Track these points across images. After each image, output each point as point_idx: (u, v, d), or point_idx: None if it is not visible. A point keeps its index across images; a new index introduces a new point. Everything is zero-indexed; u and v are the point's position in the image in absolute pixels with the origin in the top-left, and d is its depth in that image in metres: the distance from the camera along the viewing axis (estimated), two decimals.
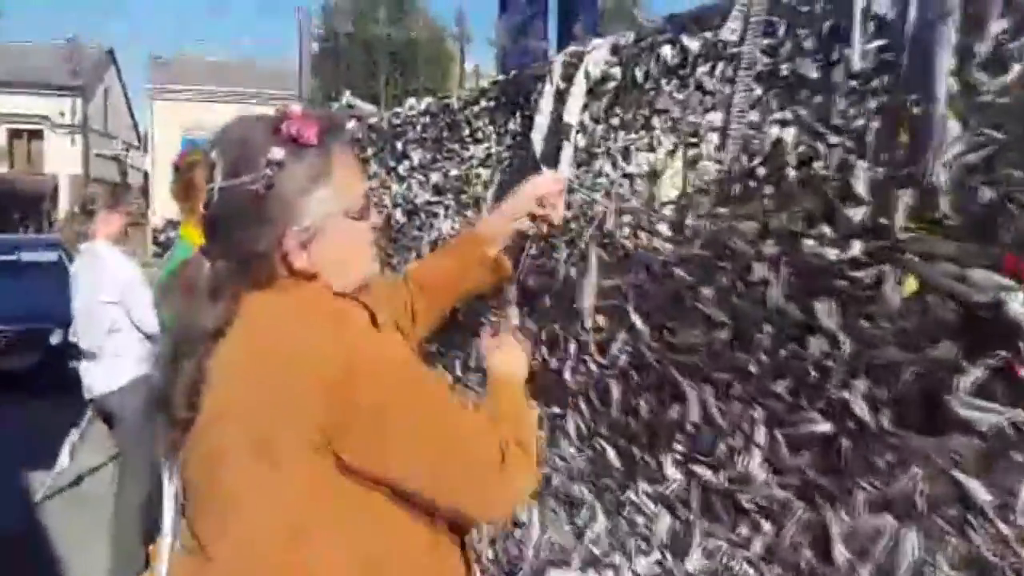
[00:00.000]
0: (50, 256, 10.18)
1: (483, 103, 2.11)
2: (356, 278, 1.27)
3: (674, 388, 1.38)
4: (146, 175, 33.12)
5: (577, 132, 1.67)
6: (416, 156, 2.46)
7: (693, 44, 1.44)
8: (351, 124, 3.10)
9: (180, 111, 31.43)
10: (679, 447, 1.36)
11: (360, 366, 1.13)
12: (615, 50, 1.63)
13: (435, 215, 2.30)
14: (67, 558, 4.02)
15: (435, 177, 2.34)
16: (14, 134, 29.90)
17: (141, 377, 3.52)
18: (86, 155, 30.24)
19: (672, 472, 1.37)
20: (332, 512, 1.16)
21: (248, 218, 1.17)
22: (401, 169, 2.55)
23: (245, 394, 1.17)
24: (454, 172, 2.21)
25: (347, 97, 3.58)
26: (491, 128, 2.06)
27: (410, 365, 1.22)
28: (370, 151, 2.82)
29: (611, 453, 1.47)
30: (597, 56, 1.65)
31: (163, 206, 30.03)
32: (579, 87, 1.66)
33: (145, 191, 33.07)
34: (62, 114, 29.92)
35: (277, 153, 1.16)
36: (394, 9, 24.96)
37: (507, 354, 1.46)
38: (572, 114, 1.67)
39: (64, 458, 4.86)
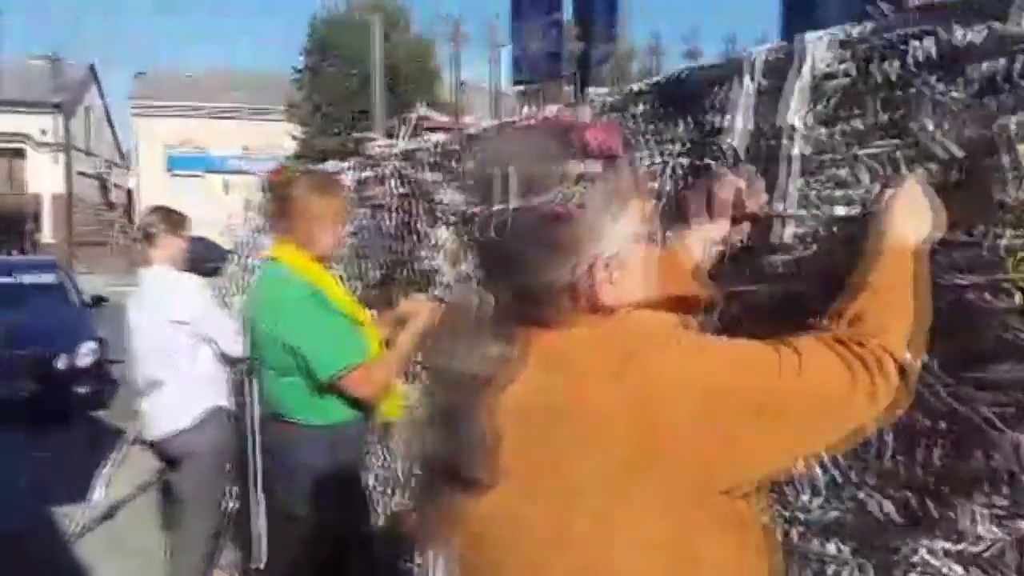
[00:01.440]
0: (48, 278, 9.88)
1: (638, 107, 1.91)
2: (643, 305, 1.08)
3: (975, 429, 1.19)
4: (129, 193, 32.73)
5: (798, 137, 1.48)
6: None
7: (970, 35, 1.26)
8: (440, 136, 2.90)
9: (164, 127, 31.07)
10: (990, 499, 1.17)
11: (717, 384, 0.97)
12: (845, 43, 1.45)
13: None
14: None
15: None
16: None
17: (213, 410, 3.29)
18: (69, 174, 29.78)
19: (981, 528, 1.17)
20: (718, 549, 0.99)
21: (550, 244, 0.98)
22: None
23: (566, 442, 0.97)
24: None
25: (423, 108, 3.36)
26: (649, 136, 1.87)
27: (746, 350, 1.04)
28: (471, 164, 2.63)
29: (886, 505, 1.28)
30: (821, 49, 1.46)
31: None
32: (800, 84, 1.48)
33: (128, 209, 32.67)
34: (44, 132, 29.49)
35: (590, 166, 0.97)
36: (382, 25, 24.84)
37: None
38: (792, 115, 1.48)
39: (98, 492, 4.59)
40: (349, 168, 3.39)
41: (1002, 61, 1.23)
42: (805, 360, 1.00)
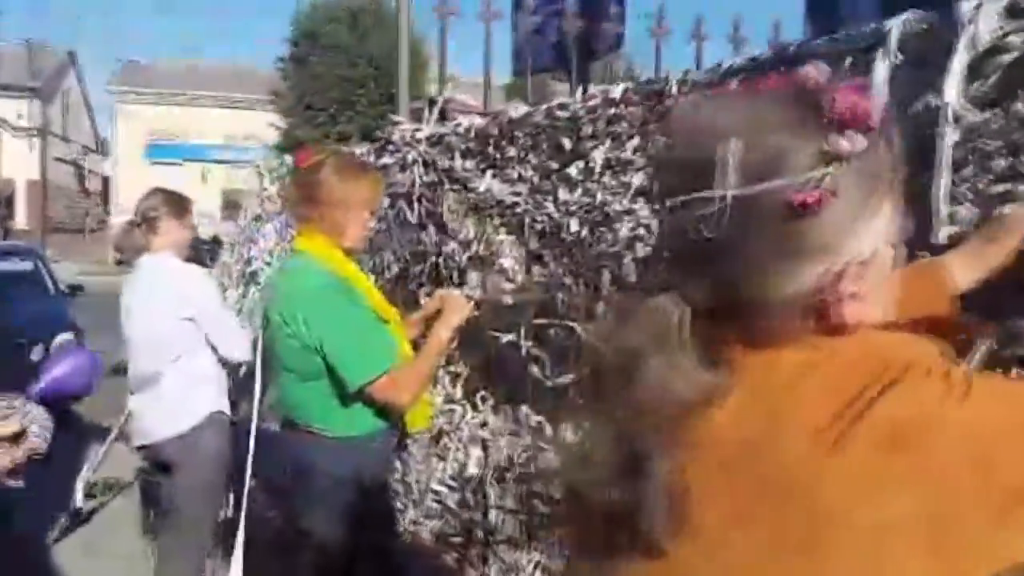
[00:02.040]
0: (25, 266, 9.49)
1: (731, 87, 1.69)
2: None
3: None
4: (106, 180, 32.10)
5: (957, 119, 1.26)
6: (600, 155, 2.03)
7: None
8: (473, 120, 2.65)
9: (144, 115, 30.49)
10: None
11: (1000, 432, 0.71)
12: (1015, 10, 1.23)
13: (643, 225, 1.88)
14: None
15: (637, 179, 1.92)
16: None
17: (214, 414, 3.00)
18: (44, 159, 29.14)
19: None
20: None
21: (786, 242, 0.74)
22: (574, 171, 2.12)
23: (788, 498, 0.73)
24: None
25: (449, 89, 3.12)
26: None
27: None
28: (512, 151, 2.39)
29: None
30: (986, 18, 1.24)
31: (127, 211, 29.05)
32: (960, 58, 1.26)
33: (105, 196, 32.06)
34: (20, 116, 28.83)
35: (843, 144, 0.72)
36: (367, 16, 24.46)
37: None
38: (950, 92, 1.25)
39: (78, 495, 4.29)
40: (368, 154, 3.13)
41: None
42: None
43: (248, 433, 3.48)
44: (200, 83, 30.90)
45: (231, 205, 21.90)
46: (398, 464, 2.72)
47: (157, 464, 3.09)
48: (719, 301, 0.78)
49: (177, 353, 2.93)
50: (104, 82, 31.43)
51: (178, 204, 3.11)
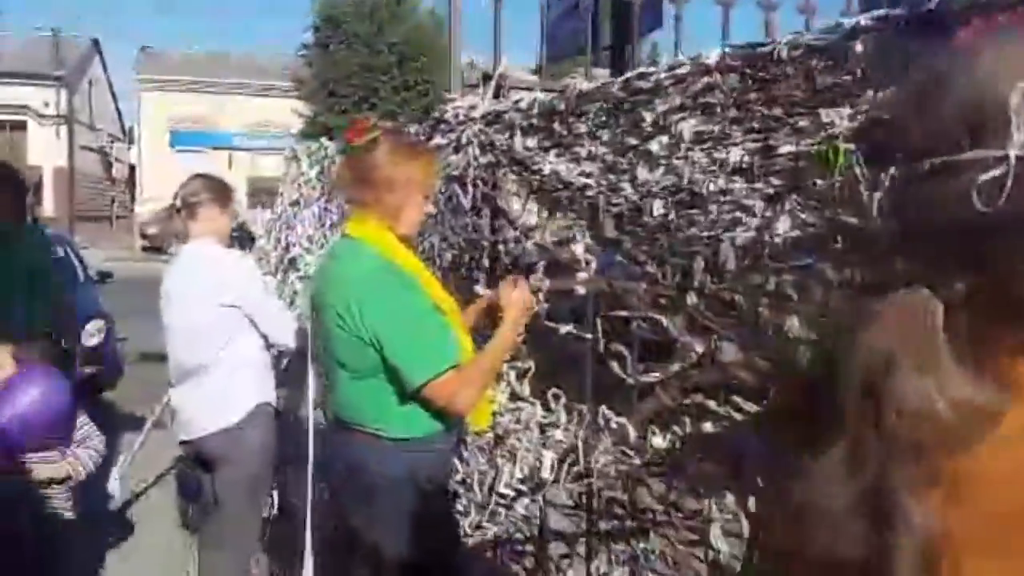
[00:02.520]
0: (55, 253, 9.43)
1: (854, 47, 1.49)
2: None
3: None
4: (132, 168, 32.22)
5: None
6: (688, 129, 1.83)
7: None
8: (535, 95, 2.46)
9: (168, 103, 30.53)
10: None
11: None
12: None
13: (744, 207, 1.69)
14: None
15: (734, 155, 1.72)
16: None
17: (260, 406, 2.86)
18: (71, 147, 29.27)
19: None
20: None
21: None
22: (655, 147, 1.93)
23: None
24: (787, 148, 1.60)
25: (504, 65, 2.92)
26: (872, 84, 1.45)
27: None
28: (582, 127, 2.20)
29: None
30: None
31: (152, 199, 29.17)
32: None
33: (130, 184, 32.20)
34: (46, 105, 28.97)
35: None
36: (385, 10, 24.38)
37: None
38: None
39: (114, 485, 4.15)
40: (419, 134, 2.94)
41: None
42: None
43: (295, 424, 3.35)
44: (223, 71, 30.92)
45: (256, 192, 21.86)
46: (459, 465, 2.55)
47: (199, 459, 2.94)
48: (993, 297, 0.59)
49: (219, 342, 2.79)
50: (128, 70, 31.54)
51: (220, 191, 2.96)
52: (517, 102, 2.53)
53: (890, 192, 0.63)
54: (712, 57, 1.79)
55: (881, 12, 1.51)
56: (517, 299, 2.15)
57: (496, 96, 2.88)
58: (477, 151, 2.68)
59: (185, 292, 2.83)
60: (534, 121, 2.41)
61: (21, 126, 29.19)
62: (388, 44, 24.04)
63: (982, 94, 0.57)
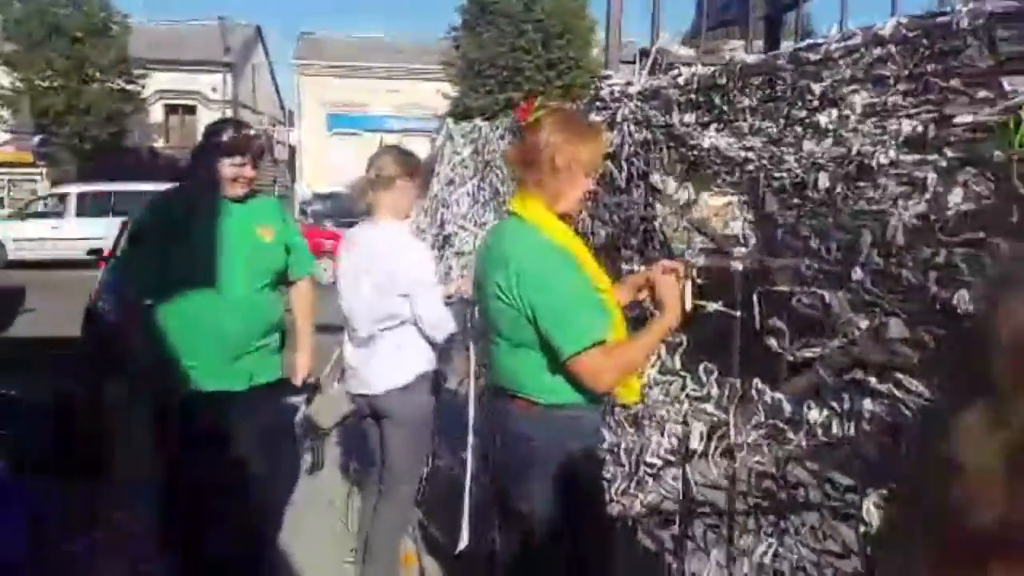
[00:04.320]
0: None
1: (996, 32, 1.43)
2: None
3: None
4: (292, 149, 33.89)
5: None
6: (860, 100, 1.80)
7: None
8: (696, 69, 2.46)
9: (325, 87, 31.91)
10: None
11: None
12: None
13: (914, 181, 1.64)
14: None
15: (906, 127, 1.68)
16: (170, 110, 31.04)
17: (423, 374, 3.04)
18: None
19: None
20: None
21: None
22: (822, 120, 1.90)
23: None
24: (964, 119, 1.55)
25: (663, 39, 2.93)
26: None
27: None
28: (746, 101, 2.19)
29: None
30: None
31: (310, 179, 30.66)
32: None
33: (291, 164, 33.89)
34: (214, 90, 30.87)
35: None
36: None
37: None
38: None
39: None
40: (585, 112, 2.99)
41: None
42: None
43: (455, 394, 3.52)
44: (375, 55, 32.00)
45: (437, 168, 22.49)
46: (608, 434, 2.61)
47: (373, 414, 3.16)
48: None
49: (389, 323, 2.99)
50: (288, 56, 33.14)
51: (409, 163, 3.13)
52: (676, 77, 2.53)
53: None
54: (887, 28, 1.75)
55: None
56: (673, 288, 2.17)
57: (652, 72, 2.88)
58: (632, 128, 2.71)
59: (366, 271, 3.04)
60: (692, 96, 2.42)
61: (192, 110, 31.23)
62: (534, 22, 24.14)
63: None
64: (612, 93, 2.82)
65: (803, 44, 2.00)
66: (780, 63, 2.04)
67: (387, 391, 3.03)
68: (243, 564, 3.09)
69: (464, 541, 2.96)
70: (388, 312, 2.99)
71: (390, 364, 3.02)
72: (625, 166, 2.76)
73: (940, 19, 1.63)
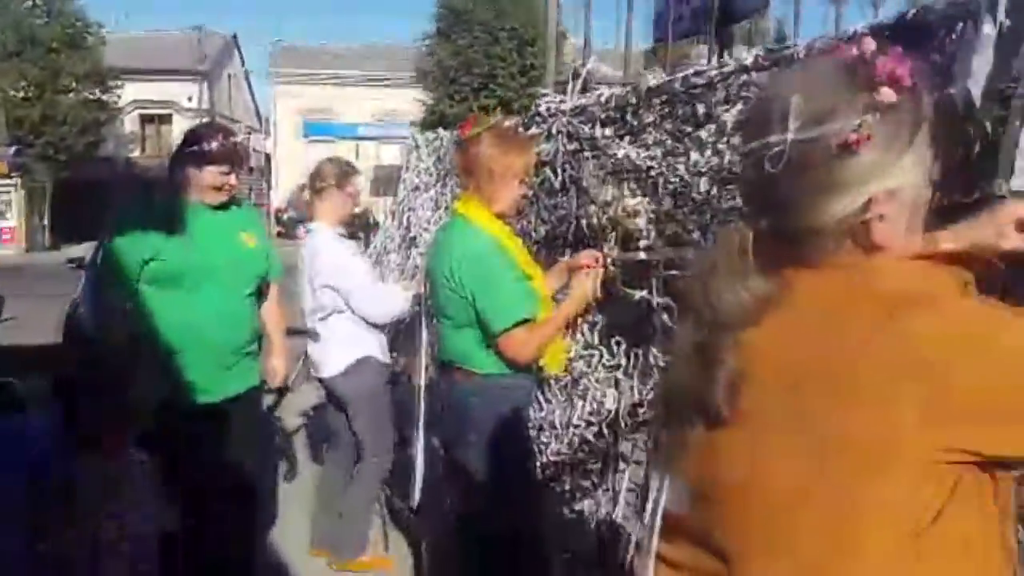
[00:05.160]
0: None
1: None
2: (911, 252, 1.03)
3: None
4: (268, 157, 34.15)
5: None
6: (730, 118, 2.21)
7: None
8: (613, 90, 2.87)
9: (301, 95, 32.18)
10: None
11: (965, 349, 0.89)
12: None
13: None
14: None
15: None
16: (146, 119, 31.22)
17: (362, 359, 3.50)
18: None
19: None
20: (946, 523, 0.91)
21: (828, 178, 0.95)
22: (704, 134, 2.31)
23: (821, 392, 0.94)
24: None
25: (591, 62, 3.35)
26: None
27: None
28: (649, 118, 2.60)
29: None
30: None
31: (284, 186, 30.93)
32: None
33: (267, 173, 34.13)
34: (189, 99, 31.07)
35: (879, 97, 0.94)
36: None
37: None
38: None
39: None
40: (518, 126, 3.40)
41: None
42: None
43: (410, 379, 3.90)
44: (350, 63, 32.30)
45: (379, 180, 22.93)
46: (543, 404, 3.02)
47: (330, 397, 3.59)
48: (777, 226, 1.00)
49: (321, 314, 3.50)
50: (262, 64, 33.37)
51: (343, 174, 3.55)
52: (599, 96, 2.95)
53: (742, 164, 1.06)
54: (749, 58, 2.17)
55: (878, 20, 1.86)
56: (582, 277, 2.62)
57: (584, 91, 3.30)
58: (565, 139, 3.12)
59: (306, 270, 3.55)
60: (611, 113, 2.83)
61: (167, 120, 31.40)
62: (507, 29, 24.61)
63: (771, 103, 0.98)
64: (548, 109, 3.23)
65: (691, 71, 2.41)
66: (675, 87, 2.46)
67: (331, 376, 3.53)
68: (237, 566, 3.16)
69: (416, 498, 3.33)
70: (319, 304, 3.50)
71: (330, 351, 3.53)
72: (560, 172, 3.16)
73: (785, 51, 2.05)
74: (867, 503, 0.90)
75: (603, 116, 2.87)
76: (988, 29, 1.52)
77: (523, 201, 2.92)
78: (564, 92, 3.31)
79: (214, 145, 2.92)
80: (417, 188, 4.74)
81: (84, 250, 10.06)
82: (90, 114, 25.84)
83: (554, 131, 3.18)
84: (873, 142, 0.93)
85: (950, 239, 1.26)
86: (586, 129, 2.99)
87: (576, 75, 3.13)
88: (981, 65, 1.52)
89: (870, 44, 0.97)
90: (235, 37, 35.56)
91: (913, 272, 0.96)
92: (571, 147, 3.09)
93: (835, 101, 0.94)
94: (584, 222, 3.02)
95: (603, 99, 2.89)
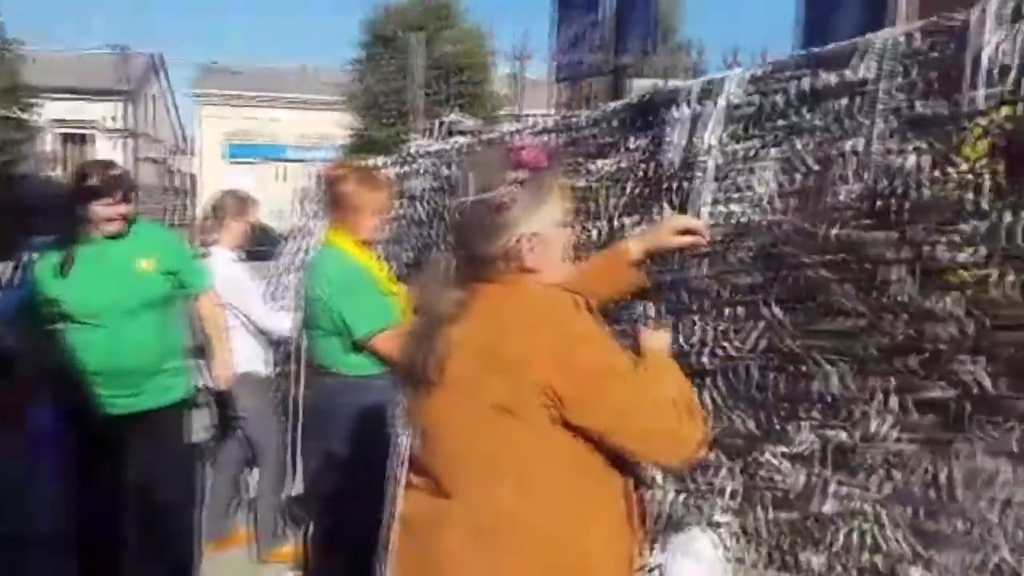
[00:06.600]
0: None
1: (611, 123, 2.41)
2: (564, 274, 1.58)
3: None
4: (192, 178, 33.94)
5: (715, 150, 1.97)
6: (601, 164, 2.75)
7: (830, 78, 1.73)
8: (464, 139, 3.42)
9: (225, 116, 32.14)
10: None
11: (577, 337, 1.44)
12: (753, 80, 1.93)
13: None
14: None
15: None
16: (66, 138, 30.76)
17: (243, 374, 3.91)
18: (135, 159, 31.01)
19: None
20: (550, 459, 1.46)
21: (491, 225, 1.49)
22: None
23: (483, 364, 1.47)
24: (580, 183, 2.51)
25: (453, 115, 3.91)
26: (620, 145, 2.36)
27: (606, 336, 1.53)
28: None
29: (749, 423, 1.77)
30: (736, 84, 1.94)
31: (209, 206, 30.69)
32: (718, 110, 1.96)
33: (191, 194, 33.88)
34: (113, 119, 30.74)
35: (520, 174, 1.48)
36: (433, 18, 25.34)
37: (660, 341, 1.78)
38: (713, 134, 1.96)
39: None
40: (392, 163, 3.93)
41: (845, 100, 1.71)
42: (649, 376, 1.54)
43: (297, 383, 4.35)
44: (277, 86, 32.38)
45: (306, 201, 23.07)
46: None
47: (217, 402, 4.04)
48: (467, 255, 1.53)
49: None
50: (186, 85, 33.26)
51: (241, 204, 4.01)
52: (455, 143, 3.51)
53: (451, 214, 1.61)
54: (549, 122, 2.74)
55: (626, 100, 2.43)
56: None
57: (450, 135, 3.85)
58: (430, 177, 3.65)
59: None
60: (460, 158, 3.37)
61: (88, 139, 30.98)
62: (433, 57, 25.09)
63: (460, 173, 1.52)
64: (417, 151, 3.77)
65: (495, 129, 2.97)
66: (446, 147, 3.03)
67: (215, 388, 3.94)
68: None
69: (293, 486, 3.75)
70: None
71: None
72: (425, 205, 3.69)
73: (575, 119, 2.62)
74: (502, 441, 1.45)
75: (455, 160, 3.42)
76: (684, 113, 2.11)
77: (386, 230, 3.44)
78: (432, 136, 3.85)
79: (95, 180, 3.11)
80: (317, 214, 5.21)
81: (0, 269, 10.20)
82: (8, 133, 25.40)
83: (421, 170, 3.72)
84: (517, 203, 1.47)
85: (638, 239, 1.89)
86: (446, 169, 3.54)
87: (442, 124, 3.67)
88: (678, 138, 2.10)
89: (527, 139, 1.52)
90: (159, 57, 35.33)
91: (545, 291, 1.50)
92: (436, 184, 3.63)
93: (494, 177, 1.49)
94: (444, 247, 3.57)
95: (456, 146, 3.44)
